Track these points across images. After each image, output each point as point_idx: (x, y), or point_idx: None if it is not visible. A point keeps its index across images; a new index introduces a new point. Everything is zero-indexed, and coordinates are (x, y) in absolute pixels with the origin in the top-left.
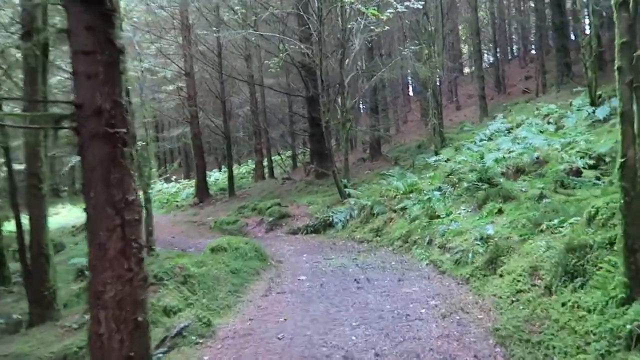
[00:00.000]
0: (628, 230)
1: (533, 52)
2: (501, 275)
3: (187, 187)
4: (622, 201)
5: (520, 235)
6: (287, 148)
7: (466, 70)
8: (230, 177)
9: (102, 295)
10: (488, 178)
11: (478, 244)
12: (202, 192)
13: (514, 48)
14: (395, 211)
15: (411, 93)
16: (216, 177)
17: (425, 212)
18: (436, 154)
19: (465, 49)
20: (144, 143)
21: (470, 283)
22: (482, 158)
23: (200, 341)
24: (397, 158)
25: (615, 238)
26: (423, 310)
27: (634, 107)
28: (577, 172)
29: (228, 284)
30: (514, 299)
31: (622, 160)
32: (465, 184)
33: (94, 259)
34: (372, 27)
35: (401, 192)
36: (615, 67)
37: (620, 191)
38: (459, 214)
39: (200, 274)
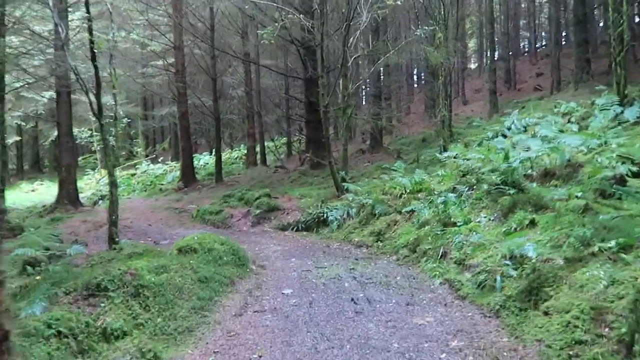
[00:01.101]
0: None
1: (545, 47)
2: (547, 314)
3: (174, 170)
4: None
5: (566, 259)
6: (282, 134)
7: (471, 65)
8: (219, 162)
9: None
10: (513, 181)
11: (508, 265)
12: (188, 176)
13: (523, 43)
14: (400, 213)
15: (415, 83)
16: (206, 160)
17: (437, 217)
18: (444, 149)
19: (471, 43)
20: (128, 120)
21: (501, 318)
22: (506, 158)
23: None
24: (400, 151)
25: None
26: (443, 356)
27: None
28: (622, 181)
29: (193, 297)
30: (571, 352)
31: None
32: (485, 186)
33: None
34: (380, 3)
35: (407, 190)
36: None
37: None
38: (479, 222)
39: (158, 284)
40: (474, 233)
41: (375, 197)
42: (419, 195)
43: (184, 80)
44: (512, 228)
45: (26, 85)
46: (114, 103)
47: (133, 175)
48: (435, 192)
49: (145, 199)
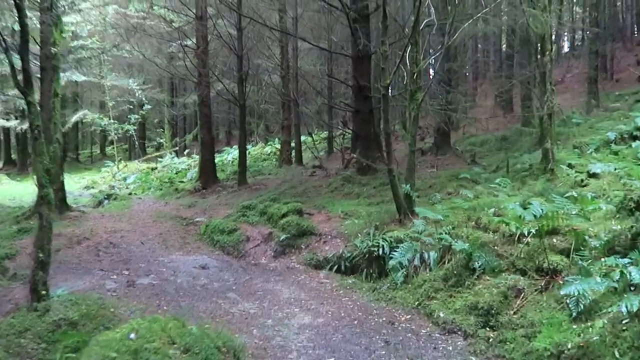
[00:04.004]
0: None
1: None
2: None
3: (197, 166)
4: None
5: None
6: (324, 128)
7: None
8: (243, 160)
9: None
10: None
11: None
12: (207, 175)
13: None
14: (526, 274)
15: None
16: (235, 155)
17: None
18: (547, 155)
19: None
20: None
21: None
22: None
23: None
24: (473, 154)
25: None
26: None
27: None
28: None
29: None
30: None
31: None
32: None
33: None
34: None
35: (530, 230)
36: None
37: None
38: None
39: None
40: None
41: (468, 235)
42: (556, 239)
43: (205, 58)
44: None
45: None
46: (134, 87)
47: (153, 169)
48: (591, 239)
49: (156, 200)
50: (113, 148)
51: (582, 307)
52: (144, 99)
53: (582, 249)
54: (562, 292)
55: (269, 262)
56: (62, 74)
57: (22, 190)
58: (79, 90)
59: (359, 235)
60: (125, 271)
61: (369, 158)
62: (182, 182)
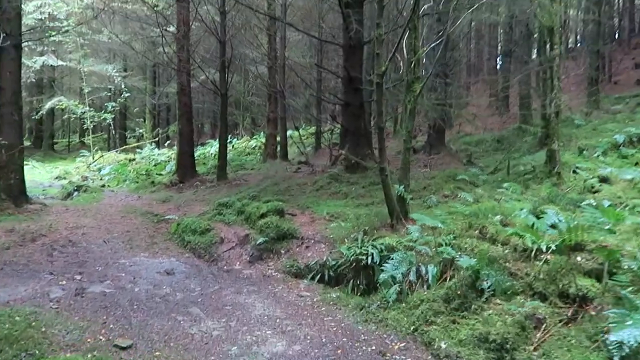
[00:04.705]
0: None
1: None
2: None
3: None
4: None
5: None
6: (311, 122)
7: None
8: (223, 154)
9: None
10: None
11: None
12: (185, 169)
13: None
14: (547, 299)
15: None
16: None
17: None
18: (552, 157)
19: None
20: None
21: None
22: None
23: None
24: (469, 154)
25: None
26: None
27: None
28: None
29: None
30: None
31: None
32: None
33: None
34: None
35: (547, 243)
36: None
37: None
38: None
39: None
40: None
41: (472, 247)
42: (580, 257)
43: (185, 44)
44: None
45: None
46: (113, 73)
47: (131, 160)
48: (624, 259)
49: (129, 194)
50: (92, 137)
51: (626, 351)
52: (123, 86)
53: (616, 271)
54: (611, 339)
55: (243, 268)
56: (38, 58)
57: None
58: (55, 75)
59: (346, 240)
60: (78, 276)
61: (358, 155)
62: (160, 174)
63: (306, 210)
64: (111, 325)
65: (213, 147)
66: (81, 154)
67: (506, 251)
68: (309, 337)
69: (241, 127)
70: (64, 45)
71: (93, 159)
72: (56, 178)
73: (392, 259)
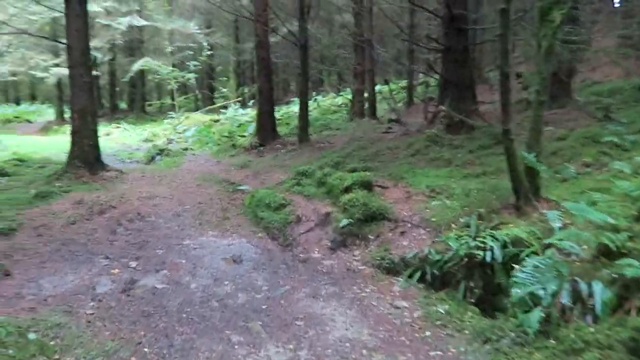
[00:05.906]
0: None
1: None
2: None
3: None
4: None
5: None
6: (402, 75)
7: None
8: (304, 113)
9: None
10: None
11: None
12: (266, 130)
13: None
14: None
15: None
16: None
17: None
18: None
19: None
20: (209, 53)
21: None
22: None
23: None
24: (607, 107)
25: None
26: None
27: None
28: None
29: None
30: None
31: None
32: None
33: None
34: None
35: None
36: None
37: None
38: None
39: None
40: None
41: None
42: None
43: None
44: None
45: None
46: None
47: (216, 121)
48: None
49: (209, 158)
50: (183, 99)
51: None
52: (205, 44)
53: None
54: None
55: (323, 257)
56: (122, 19)
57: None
58: (144, 37)
59: (453, 226)
60: (134, 262)
61: (462, 112)
62: (242, 136)
63: (399, 181)
64: (145, 349)
65: (297, 105)
66: (169, 116)
67: None
68: None
69: (327, 82)
70: (146, 3)
71: (179, 120)
72: (144, 140)
73: (529, 265)
